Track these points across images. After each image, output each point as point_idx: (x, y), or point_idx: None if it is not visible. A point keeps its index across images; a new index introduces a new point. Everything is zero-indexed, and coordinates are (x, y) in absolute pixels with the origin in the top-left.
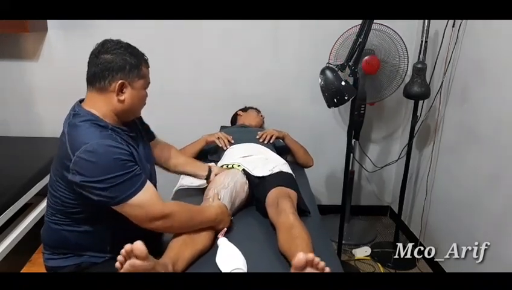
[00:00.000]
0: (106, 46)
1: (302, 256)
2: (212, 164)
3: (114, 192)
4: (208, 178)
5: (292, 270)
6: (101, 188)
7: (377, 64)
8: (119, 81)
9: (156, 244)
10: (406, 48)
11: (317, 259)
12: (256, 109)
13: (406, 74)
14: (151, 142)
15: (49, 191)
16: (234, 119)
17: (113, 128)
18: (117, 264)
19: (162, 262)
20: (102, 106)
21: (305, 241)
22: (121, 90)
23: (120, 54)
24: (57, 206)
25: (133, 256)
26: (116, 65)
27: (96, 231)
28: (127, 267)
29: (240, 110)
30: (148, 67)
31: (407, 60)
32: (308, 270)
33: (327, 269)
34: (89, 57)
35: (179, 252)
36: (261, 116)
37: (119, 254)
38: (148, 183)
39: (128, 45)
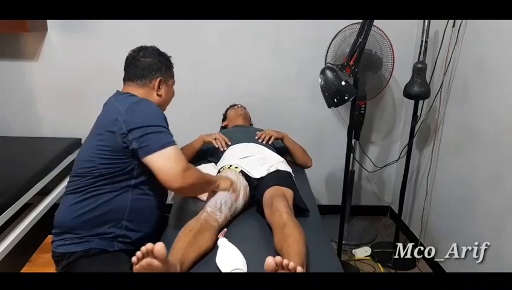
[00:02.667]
0: (144, 51)
1: (270, 261)
2: (211, 164)
3: (154, 138)
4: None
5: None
6: (144, 134)
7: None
8: (158, 79)
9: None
10: (391, 45)
11: (286, 261)
12: (232, 107)
13: (392, 73)
14: None
15: (79, 163)
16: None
17: None
18: (134, 259)
19: (172, 263)
20: (142, 96)
21: (296, 239)
22: (159, 86)
23: (157, 57)
24: (90, 171)
25: (152, 256)
26: (155, 67)
27: (117, 201)
28: (143, 265)
29: (224, 117)
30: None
31: (393, 58)
32: (281, 271)
33: (299, 269)
34: (125, 60)
35: (186, 253)
36: (239, 107)
37: (129, 234)
38: (177, 146)
39: (159, 50)
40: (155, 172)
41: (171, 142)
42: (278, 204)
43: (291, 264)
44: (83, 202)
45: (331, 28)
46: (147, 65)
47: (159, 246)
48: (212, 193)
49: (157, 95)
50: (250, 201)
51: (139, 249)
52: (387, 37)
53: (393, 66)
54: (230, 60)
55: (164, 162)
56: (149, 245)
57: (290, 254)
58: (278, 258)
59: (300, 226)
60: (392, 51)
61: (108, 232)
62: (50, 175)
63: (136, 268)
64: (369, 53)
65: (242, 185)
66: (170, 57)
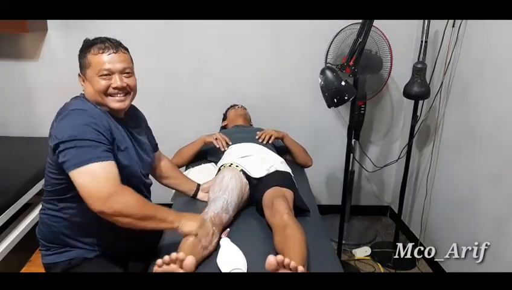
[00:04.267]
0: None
1: (271, 260)
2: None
3: (75, 153)
4: (194, 196)
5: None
6: (66, 149)
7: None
8: (79, 75)
9: (152, 246)
10: (389, 46)
11: (287, 260)
12: (233, 107)
13: (390, 73)
14: (155, 153)
15: (45, 177)
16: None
17: (105, 111)
18: (159, 261)
19: None
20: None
21: (298, 241)
22: (83, 81)
23: (80, 51)
24: (47, 188)
25: (179, 265)
26: (79, 63)
27: (82, 216)
28: (166, 269)
29: (224, 117)
30: (100, 53)
31: (391, 58)
32: (281, 271)
33: (300, 269)
34: None
35: (194, 255)
36: (239, 107)
37: (105, 244)
38: (111, 162)
39: (87, 40)
40: (78, 190)
41: (97, 158)
42: (278, 205)
43: (293, 264)
44: (51, 217)
45: (331, 28)
46: None
47: (190, 261)
48: (215, 192)
49: (85, 92)
50: (249, 200)
51: (121, 254)
52: (385, 37)
53: (391, 66)
54: (230, 60)
55: (85, 180)
56: (181, 255)
57: (292, 255)
58: (280, 257)
59: (301, 227)
60: (390, 51)
61: (84, 242)
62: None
63: (158, 270)
64: (369, 53)
65: (242, 184)
66: (95, 44)
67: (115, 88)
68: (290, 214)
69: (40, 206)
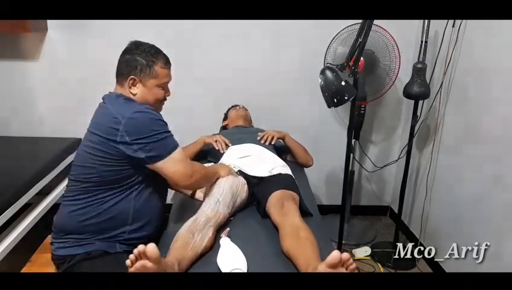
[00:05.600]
0: (128, 47)
1: (337, 253)
2: (211, 164)
3: (158, 147)
4: (193, 195)
5: (322, 268)
6: (148, 143)
7: (361, 64)
8: (129, 77)
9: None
10: (397, 46)
11: (351, 260)
12: (234, 107)
13: (397, 74)
14: None
15: (79, 168)
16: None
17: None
18: (128, 262)
19: (169, 263)
20: (127, 94)
21: (314, 243)
22: (131, 85)
23: (136, 55)
24: (92, 177)
25: (145, 257)
26: (130, 64)
27: (121, 207)
28: (137, 267)
29: (225, 117)
30: (166, 67)
31: (399, 58)
32: (340, 269)
33: (356, 271)
34: None
35: (183, 252)
36: (240, 107)
37: (133, 237)
38: (180, 146)
39: (149, 47)
40: (167, 176)
41: (175, 146)
42: (289, 207)
43: (354, 265)
44: (85, 209)
45: (331, 28)
46: (124, 62)
47: (151, 247)
48: (209, 191)
49: (131, 93)
50: (250, 200)
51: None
52: (394, 40)
53: (398, 69)
54: (230, 60)
55: (174, 167)
56: (141, 247)
57: (310, 255)
58: (345, 254)
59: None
60: (399, 54)
61: (111, 235)
62: (50, 175)
63: (131, 271)
64: (372, 54)
65: (240, 183)
66: (162, 57)
67: (166, 96)
68: (300, 217)
69: (40, 207)
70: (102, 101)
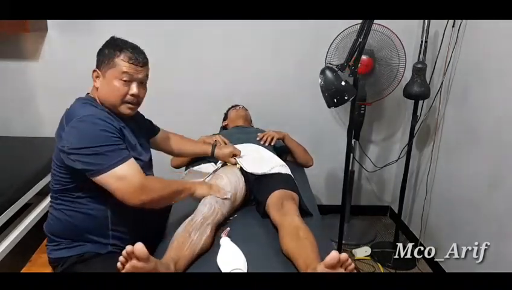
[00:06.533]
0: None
1: (335, 254)
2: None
3: (97, 160)
4: (213, 154)
5: (320, 269)
6: (85, 155)
7: (366, 64)
8: (93, 69)
9: (158, 240)
10: (403, 47)
11: (349, 260)
12: (234, 107)
13: (403, 76)
14: (158, 134)
15: (52, 176)
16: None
17: (111, 113)
18: (118, 264)
19: (164, 262)
20: (94, 92)
21: (313, 243)
22: (97, 77)
23: (104, 47)
24: (58, 187)
25: (134, 257)
26: (97, 57)
27: (96, 211)
28: (128, 268)
29: (225, 117)
30: (129, 62)
31: (405, 60)
32: (339, 270)
33: (354, 271)
34: None
35: (180, 252)
36: (240, 108)
37: (120, 238)
38: (132, 160)
39: (116, 40)
40: (111, 192)
41: (121, 160)
42: (289, 206)
43: (353, 265)
44: (63, 215)
45: (331, 28)
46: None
47: (139, 247)
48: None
49: (95, 87)
50: (247, 196)
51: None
52: (401, 42)
53: (404, 69)
54: (230, 60)
55: (116, 184)
56: (129, 248)
57: (310, 255)
58: (344, 255)
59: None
60: (404, 54)
61: (98, 240)
62: (50, 175)
63: (123, 271)
64: (377, 54)
65: (240, 181)
66: (126, 50)
67: (132, 95)
68: (300, 216)
69: (40, 207)
70: None
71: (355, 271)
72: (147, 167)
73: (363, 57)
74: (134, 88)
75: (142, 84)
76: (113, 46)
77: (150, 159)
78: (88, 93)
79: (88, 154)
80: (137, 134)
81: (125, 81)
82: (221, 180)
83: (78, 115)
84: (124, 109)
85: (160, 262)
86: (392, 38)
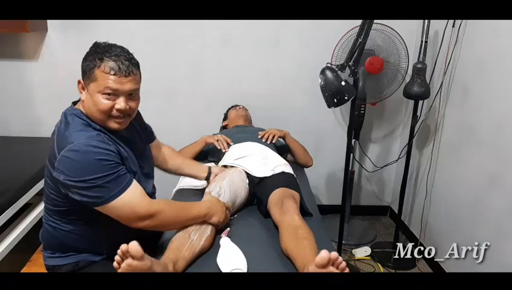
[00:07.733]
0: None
1: (325, 253)
2: (212, 164)
3: (97, 192)
4: (207, 179)
5: (312, 269)
6: (83, 188)
7: (380, 65)
8: (78, 80)
9: (155, 243)
10: (406, 47)
11: (340, 258)
12: (234, 107)
13: (406, 74)
14: (151, 143)
15: (44, 192)
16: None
17: (100, 129)
18: (115, 264)
19: (162, 262)
20: (83, 105)
21: (312, 242)
22: (82, 88)
23: (88, 55)
24: (51, 206)
25: (129, 256)
26: (81, 66)
27: (91, 232)
28: (124, 267)
29: (225, 117)
30: (110, 74)
31: (408, 59)
32: (330, 269)
33: (347, 270)
34: None
35: (179, 252)
36: (240, 108)
37: (115, 250)
38: (134, 183)
39: (98, 46)
40: (114, 218)
41: (123, 188)
42: (289, 205)
43: (344, 264)
44: (56, 233)
45: (331, 28)
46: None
47: (133, 245)
48: (210, 188)
49: (82, 100)
50: (250, 199)
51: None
52: (405, 44)
53: (406, 69)
54: (230, 60)
55: (119, 212)
56: (123, 247)
57: (309, 255)
58: (334, 253)
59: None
60: (407, 54)
61: (89, 250)
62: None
63: (119, 270)
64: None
65: (243, 182)
66: (107, 59)
67: (118, 110)
68: (300, 215)
69: (40, 207)
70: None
71: (347, 269)
72: (149, 176)
73: (377, 57)
74: (121, 102)
75: (132, 95)
76: (94, 55)
77: (152, 166)
78: (76, 102)
79: (87, 187)
80: (137, 142)
81: (109, 94)
82: (222, 180)
83: (70, 141)
84: (112, 124)
85: (157, 262)
86: (398, 39)
